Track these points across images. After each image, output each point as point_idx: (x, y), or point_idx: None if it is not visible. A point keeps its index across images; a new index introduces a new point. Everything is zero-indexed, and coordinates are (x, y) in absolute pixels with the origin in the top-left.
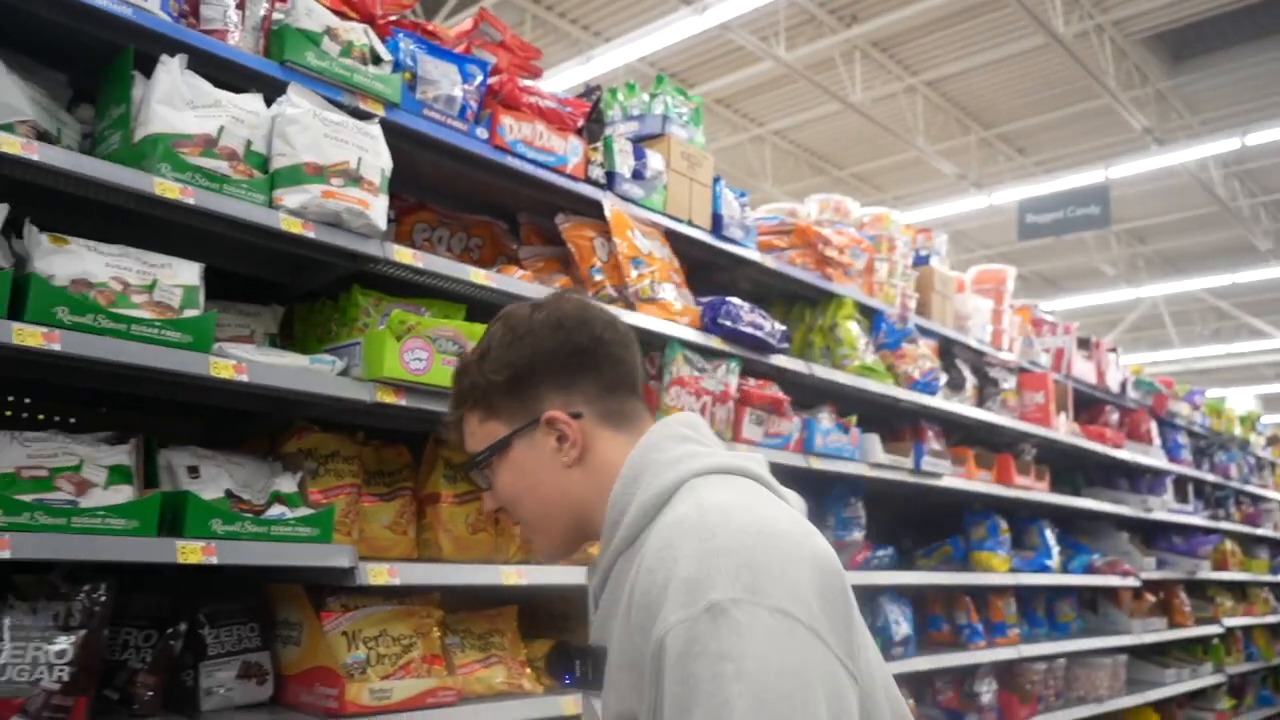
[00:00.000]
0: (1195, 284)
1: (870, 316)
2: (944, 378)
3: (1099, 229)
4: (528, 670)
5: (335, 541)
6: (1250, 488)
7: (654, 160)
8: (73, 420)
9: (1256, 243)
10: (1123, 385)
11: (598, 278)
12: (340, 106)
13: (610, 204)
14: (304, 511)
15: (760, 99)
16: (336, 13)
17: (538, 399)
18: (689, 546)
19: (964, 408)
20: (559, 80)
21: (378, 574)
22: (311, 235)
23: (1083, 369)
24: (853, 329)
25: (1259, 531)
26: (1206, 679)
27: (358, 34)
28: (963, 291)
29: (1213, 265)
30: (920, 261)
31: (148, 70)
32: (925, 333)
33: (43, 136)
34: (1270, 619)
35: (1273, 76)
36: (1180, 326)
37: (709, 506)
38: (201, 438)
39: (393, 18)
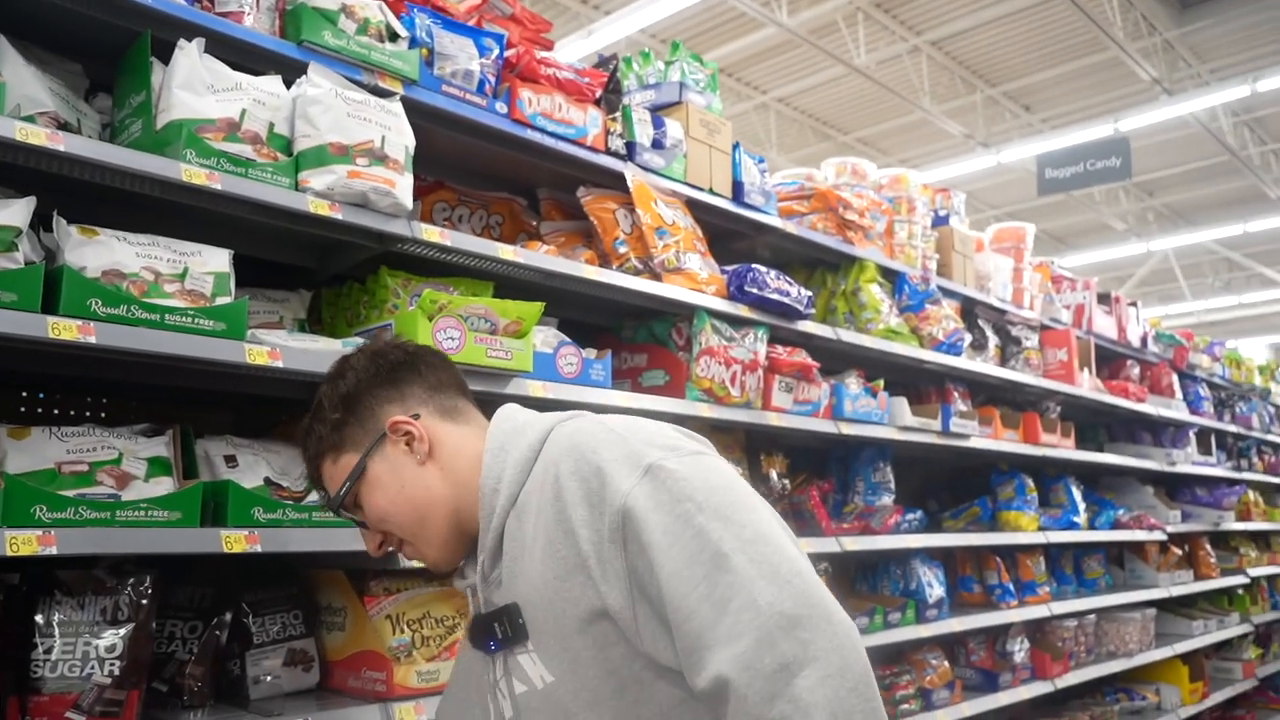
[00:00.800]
0: (1206, 235)
1: (892, 279)
2: (968, 338)
3: (1119, 181)
4: None
5: None
6: (1271, 437)
7: (673, 129)
8: (103, 415)
9: (1267, 191)
10: (1143, 339)
11: (622, 250)
12: (359, 85)
13: (632, 175)
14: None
15: (763, 66)
16: None
17: (375, 416)
18: (601, 443)
19: (988, 367)
20: (561, 55)
21: None
22: (339, 217)
23: (1103, 324)
24: (876, 292)
25: None
26: (1233, 629)
27: (373, 10)
28: (982, 251)
29: (1223, 216)
30: (939, 222)
31: (164, 57)
32: (947, 293)
33: (64, 127)
34: None
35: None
36: (1191, 279)
37: (589, 423)
38: (231, 428)
39: None
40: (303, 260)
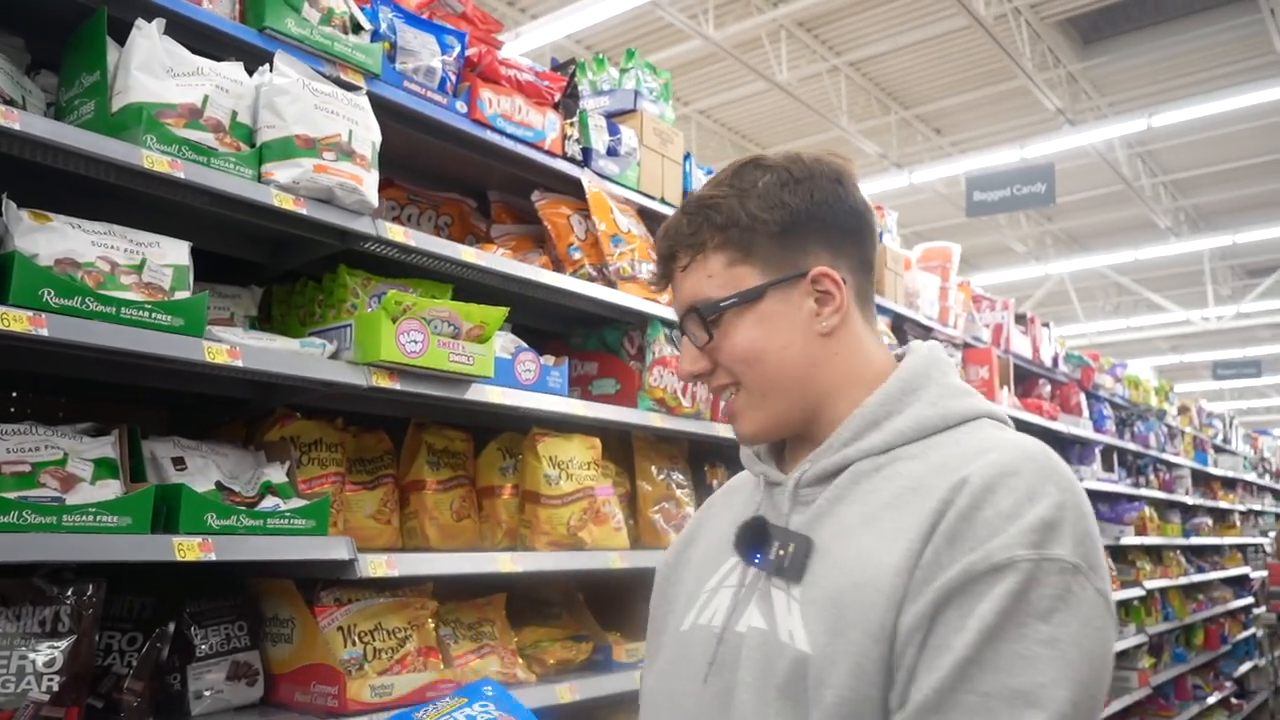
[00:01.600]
0: (1099, 260)
1: None
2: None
3: (1044, 206)
4: (519, 659)
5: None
6: (1166, 455)
7: (628, 136)
8: (29, 411)
9: (1157, 220)
10: (1055, 359)
11: (576, 256)
12: (322, 77)
13: (589, 181)
14: (298, 503)
15: (687, 78)
16: None
17: (806, 252)
18: (1043, 487)
19: None
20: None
21: (376, 565)
22: (304, 212)
23: (1020, 344)
24: None
25: (1173, 497)
26: (1131, 640)
27: (337, 0)
28: (909, 269)
29: (1116, 242)
30: None
31: (117, 36)
32: (880, 310)
33: (8, 104)
34: (1183, 580)
35: (1176, 61)
36: (1084, 302)
37: (1045, 454)
38: (169, 427)
39: None
40: (255, 255)
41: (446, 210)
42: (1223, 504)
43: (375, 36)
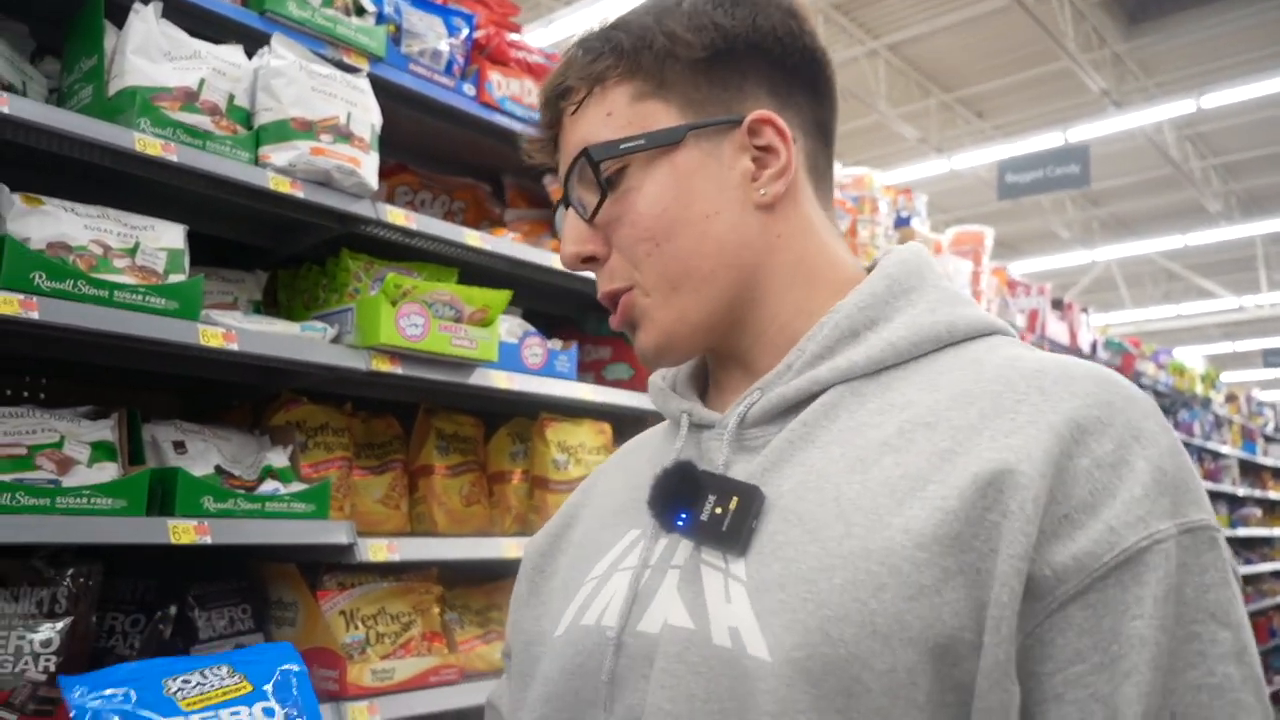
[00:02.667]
0: (1148, 246)
1: None
2: None
3: (1078, 188)
4: None
5: (330, 517)
6: (1211, 444)
7: None
8: (41, 395)
9: (1207, 205)
10: (1094, 345)
11: None
12: (323, 60)
13: None
14: (298, 487)
15: None
16: None
17: (742, 91)
18: (1144, 424)
19: None
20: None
21: (377, 550)
22: (301, 195)
23: (1056, 329)
24: None
25: (1219, 487)
26: None
27: None
28: (941, 253)
29: (1165, 227)
30: (901, 223)
31: (117, 21)
32: None
33: (8, 89)
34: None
35: (1226, 39)
36: (1132, 288)
37: (1113, 374)
38: (179, 411)
39: None
40: (258, 239)
41: (460, 195)
42: (1273, 494)
43: (380, 19)
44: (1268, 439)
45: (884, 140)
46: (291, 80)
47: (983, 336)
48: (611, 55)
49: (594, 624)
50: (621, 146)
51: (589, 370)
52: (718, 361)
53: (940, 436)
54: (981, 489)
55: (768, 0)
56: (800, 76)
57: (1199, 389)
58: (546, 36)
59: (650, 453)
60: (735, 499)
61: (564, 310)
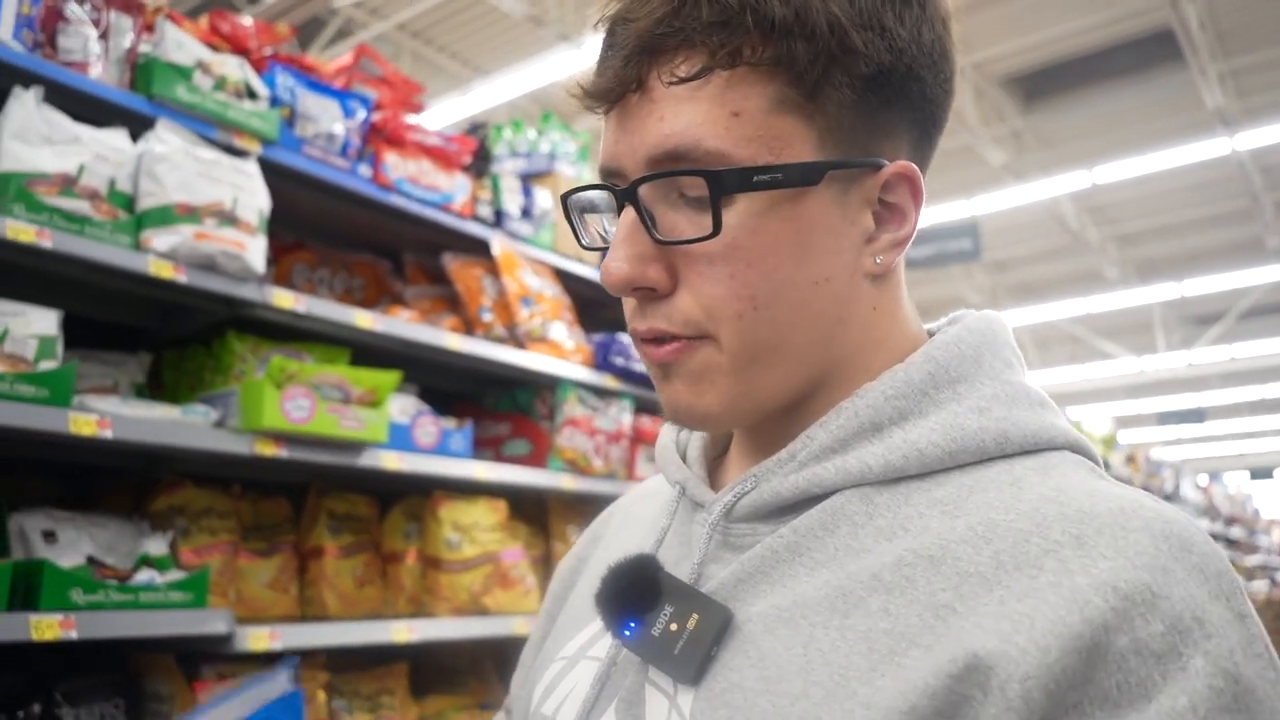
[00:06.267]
0: (1052, 311)
1: None
2: None
3: (970, 261)
4: None
5: (211, 605)
6: None
7: (542, 198)
8: None
9: (1106, 272)
10: None
11: (487, 317)
12: (213, 143)
13: (499, 243)
14: (175, 575)
15: None
16: (208, 45)
17: (889, 131)
18: (1216, 614)
19: None
20: (439, 113)
21: (258, 639)
22: (183, 280)
23: None
24: None
25: None
26: None
27: (232, 68)
28: None
29: (1067, 292)
30: None
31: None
32: None
33: None
34: None
35: (1119, 117)
36: (1041, 351)
37: (1186, 527)
38: (54, 497)
39: (269, 51)
40: (144, 321)
41: (360, 271)
42: None
43: (274, 102)
44: (1167, 498)
45: None
46: (175, 165)
47: (1044, 452)
48: (759, 28)
49: (550, 716)
50: (755, 179)
51: (487, 446)
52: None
53: (942, 581)
54: (967, 671)
55: (934, 5)
56: (940, 116)
57: (1100, 451)
58: (464, 106)
59: (655, 512)
60: (696, 617)
61: (463, 386)
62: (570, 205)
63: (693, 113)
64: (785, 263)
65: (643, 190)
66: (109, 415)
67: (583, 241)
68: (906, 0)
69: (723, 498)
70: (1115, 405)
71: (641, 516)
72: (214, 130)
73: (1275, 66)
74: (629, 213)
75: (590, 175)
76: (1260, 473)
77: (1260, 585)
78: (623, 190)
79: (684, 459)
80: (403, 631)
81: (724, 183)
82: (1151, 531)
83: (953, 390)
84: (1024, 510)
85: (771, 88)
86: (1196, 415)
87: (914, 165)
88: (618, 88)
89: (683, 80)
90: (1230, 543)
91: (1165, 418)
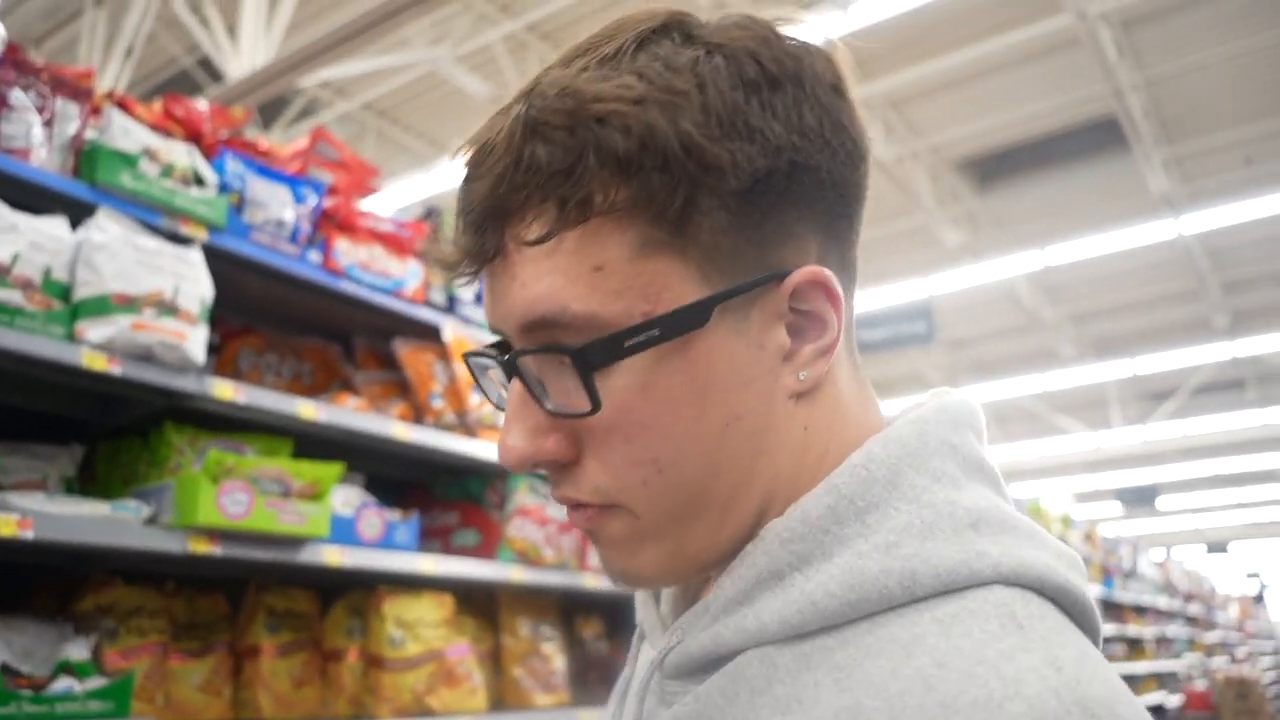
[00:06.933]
0: (1010, 386)
1: None
2: None
3: (924, 343)
4: None
5: (136, 712)
6: None
7: None
8: None
9: (1061, 349)
10: None
11: (437, 404)
12: (158, 231)
13: (450, 329)
14: (97, 682)
15: None
16: (159, 130)
17: (783, 235)
18: None
19: None
20: (402, 190)
21: None
22: (118, 371)
23: None
24: None
25: None
26: None
27: (179, 154)
28: None
29: (1024, 369)
30: None
31: None
32: None
33: None
34: None
35: (1069, 199)
36: (1000, 427)
37: (1069, 687)
38: None
39: (224, 135)
40: (78, 411)
41: (309, 356)
42: (1132, 630)
43: (223, 189)
44: (1125, 575)
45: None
46: (114, 254)
47: (966, 591)
48: (606, 168)
49: None
50: (627, 345)
51: (435, 537)
52: None
53: None
54: None
55: (814, 70)
56: (851, 194)
57: (1056, 530)
58: (427, 185)
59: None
60: None
61: (412, 474)
62: (472, 365)
63: (552, 275)
64: (685, 416)
65: (524, 360)
66: (31, 514)
67: (491, 399)
68: (775, 85)
69: (660, 650)
70: (1074, 480)
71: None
72: (159, 217)
73: (1216, 153)
74: (516, 383)
75: None
76: (1216, 547)
77: (1220, 661)
78: (504, 362)
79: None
80: None
81: (589, 359)
82: (1024, 704)
83: (861, 523)
84: (891, 694)
85: (632, 232)
86: (1150, 494)
87: (820, 268)
88: (475, 256)
89: (535, 243)
90: (1189, 619)
91: (1123, 494)
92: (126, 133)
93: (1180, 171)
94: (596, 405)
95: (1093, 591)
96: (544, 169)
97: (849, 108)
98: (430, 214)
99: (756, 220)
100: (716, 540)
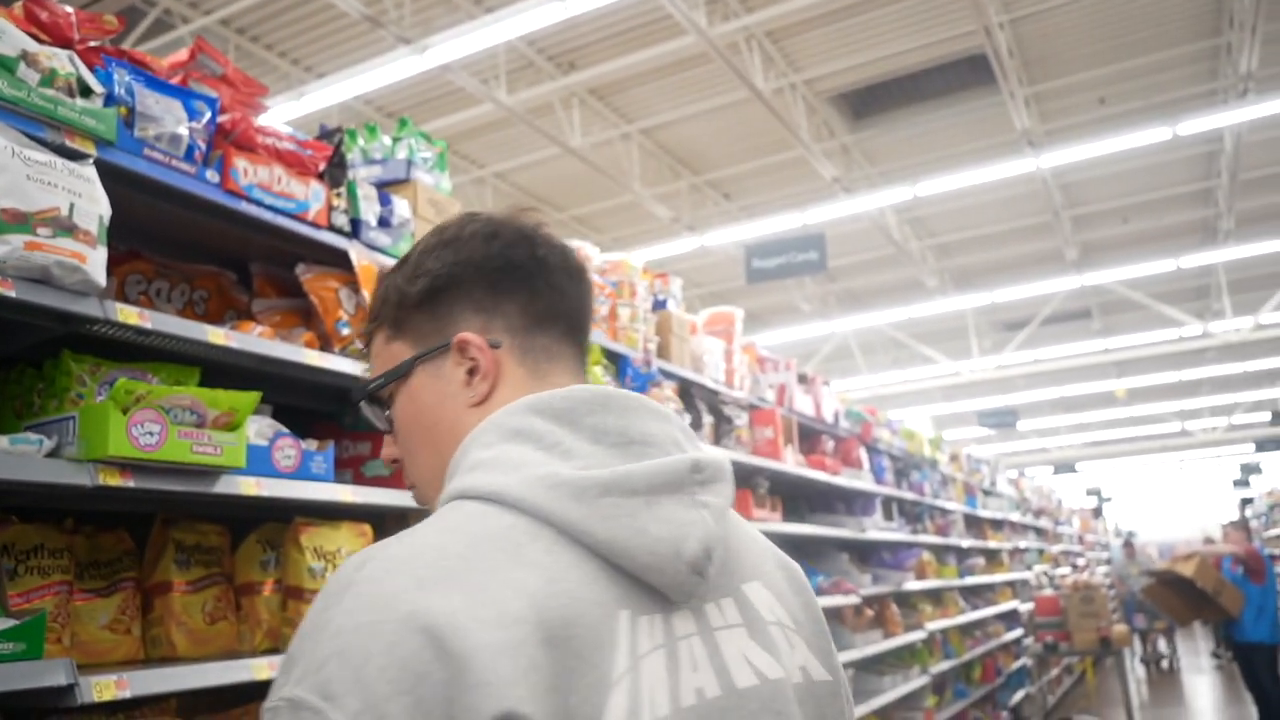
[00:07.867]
0: (877, 318)
1: (616, 362)
2: (686, 418)
3: (817, 272)
4: None
5: (47, 654)
6: (940, 502)
7: (400, 207)
8: None
9: (925, 280)
10: (836, 416)
11: (345, 331)
12: (43, 144)
13: (358, 254)
14: (4, 623)
15: (481, 141)
16: (29, 35)
17: (453, 319)
18: (314, 605)
19: (705, 448)
20: (269, 116)
21: (104, 688)
22: (12, 294)
23: (803, 402)
24: (600, 374)
25: (949, 541)
26: (915, 681)
27: (62, 61)
28: (696, 334)
29: (891, 300)
30: (659, 306)
31: None
32: (667, 375)
33: None
34: (961, 619)
35: (939, 135)
36: (866, 356)
37: (379, 551)
38: None
39: (94, 43)
40: None
41: (202, 284)
42: (992, 544)
43: (110, 101)
44: (985, 493)
45: (639, 219)
46: (3, 168)
47: (459, 500)
48: (383, 311)
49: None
50: (369, 387)
51: (347, 467)
52: None
53: None
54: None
55: (474, 233)
56: (507, 288)
57: (927, 451)
58: (298, 109)
59: None
60: None
61: (320, 404)
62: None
63: (372, 359)
64: (410, 424)
65: (367, 410)
66: None
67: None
68: (443, 245)
69: None
70: (934, 407)
71: None
72: (43, 130)
73: (1073, 92)
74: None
75: (448, 185)
76: (1063, 467)
77: (1066, 570)
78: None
79: None
80: (264, 669)
81: (355, 396)
82: (328, 589)
83: (454, 468)
84: (422, 527)
85: (383, 334)
86: (1011, 418)
87: (469, 334)
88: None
89: (367, 346)
90: (1039, 532)
91: (983, 417)
92: (2, 34)
93: (1039, 110)
94: (389, 424)
95: (956, 508)
96: (371, 312)
97: (505, 244)
98: (330, 134)
99: (432, 312)
100: (440, 481)
